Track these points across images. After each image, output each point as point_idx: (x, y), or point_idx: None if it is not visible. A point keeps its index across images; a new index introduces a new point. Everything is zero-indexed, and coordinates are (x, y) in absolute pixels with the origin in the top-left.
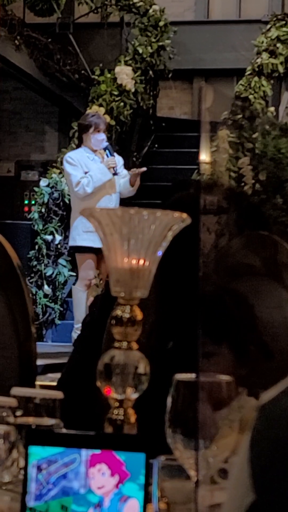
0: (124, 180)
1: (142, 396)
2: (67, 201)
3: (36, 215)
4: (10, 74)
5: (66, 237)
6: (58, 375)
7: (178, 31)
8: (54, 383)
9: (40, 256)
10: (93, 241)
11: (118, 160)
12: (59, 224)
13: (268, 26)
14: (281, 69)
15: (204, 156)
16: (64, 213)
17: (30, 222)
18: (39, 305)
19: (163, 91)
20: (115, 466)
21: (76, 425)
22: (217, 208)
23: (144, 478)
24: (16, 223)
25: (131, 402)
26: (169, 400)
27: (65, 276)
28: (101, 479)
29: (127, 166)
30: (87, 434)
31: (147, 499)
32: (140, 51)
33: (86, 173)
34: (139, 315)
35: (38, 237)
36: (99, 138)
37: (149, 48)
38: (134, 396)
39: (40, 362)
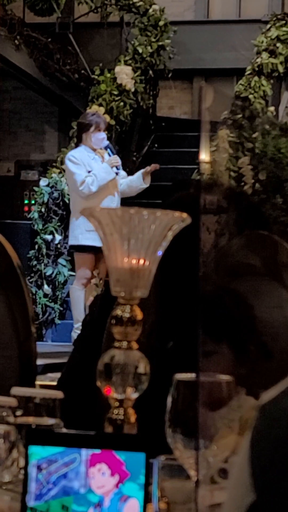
0: (126, 180)
1: (142, 396)
2: (67, 201)
3: (36, 215)
4: (10, 73)
5: (66, 237)
6: (58, 375)
7: (178, 31)
8: (54, 383)
9: (40, 255)
10: (96, 240)
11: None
12: (59, 223)
13: (268, 25)
14: (281, 68)
15: (204, 156)
16: (64, 213)
17: (30, 222)
18: (39, 304)
19: (163, 90)
20: (115, 466)
21: (76, 425)
22: (217, 208)
23: (144, 477)
24: (16, 222)
25: (131, 401)
26: (169, 400)
27: (65, 276)
28: (101, 478)
29: (127, 166)
30: (87, 434)
31: (147, 499)
32: (140, 50)
33: (89, 172)
34: (139, 314)
35: (38, 237)
36: (100, 137)
37: (149, 47)
38: (134, 395)
39: (40, 361)
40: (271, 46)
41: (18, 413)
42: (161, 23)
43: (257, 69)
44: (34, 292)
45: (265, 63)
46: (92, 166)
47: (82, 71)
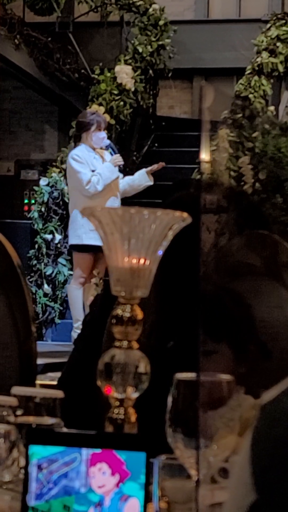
0: (127, 179)
1: (142, 396)
2: (67, 200)
3: (36, 214)
4: (10, 73)
5: (66, 236)
6: (58, 374)
7: (178, 30)
8: (54, 382)
9: (40, 255)
10: (98, 240)
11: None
12: (59, 223)
13: (268, 25)
14: (281, 68)
15: (205, 155)
16: (64, 212)
17: (30, 221)
18: (39, 304)
19: (163, 90)
20: (116, 465)
21: (76, 424)
22: (217, 208)
23: (145, 477)
24: (15, 222)
25: (132, 401)
26: (169, 400)
27: (65, 275)
28: (101, 478)
29: (127, 166)
30: (88, 433)
31: (147, 499)
32: (140, 50)
33: (92, 171)
34: (139, 314)
35: (38, 236)
36: (100, 136)
37: (149, 47)
38: (135, 395)
39: (40, 361)
40: (271, 46)
41: (19, 412)
42: (161, 22)
43: (257, 68)
44: (34, 291)
45: (265, 62)
46: (95, 165)
47: (82, 71)
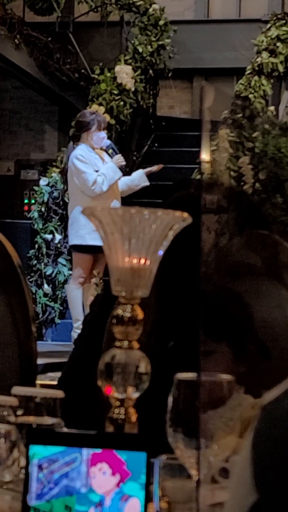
0: (125, 179)
1: (143, 395)
2: (67, 200)
3: (36, 214)
4: (10, 73)
5: (66, 236)
6: (58, 374)
7: (178, 30)
8: (54, 382)
9: (40, 255)
10: (100, 240)
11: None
12: (59, 223)
13: (268, 25)
14: (281, 68)
15: (205, 155)
16: (64, 212)
17: (30, 221)
18: (39, 304)
19: (163, 90)
20: (116, 465)
21: (77, 424)
22: (217, 208)
23: (145, 477)
24: (15, 222)
25: (132, 401)
26: (170, 399)
27: (65, 275)
28: (102, 478)
29: (128, 165)
30: (88, 433)
31: (148, 498)
32: (140, 50)
33: (96, 171)
34: (140, 314)
35: (38, 236)
36: (101, 136)
37: (149, 47)
38: (135, 395)
39: (40, 361)
40: (271, 46)
41: (19, 412)
42: (161, 22)
43: (257, 68)
44: (34, 291)
45: (265, 62)
46: (98, 166)
47: (82, 71)
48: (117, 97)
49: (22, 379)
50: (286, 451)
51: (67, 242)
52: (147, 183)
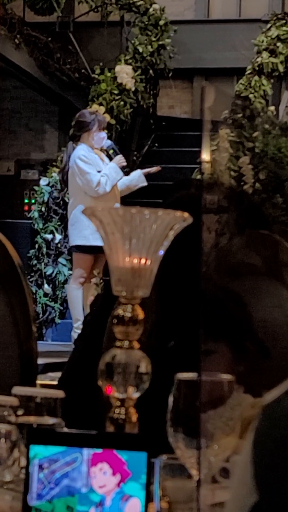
0: (124, 180)
1: (143, 395)
2: (67, 200)
3: (36, 214)
4: (10, 73)
5: (66, 236)
6: (58, 374)
7: (178, 30)
8: (55, 382)
9: (40, 255)
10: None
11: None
12: (59, 223)
13: (268, 25)
14: (281, 68)
15: (206, 155)
16: (64, 212)
17: (30, 221)
18: (39, 304)
19: (163, 90)
20: (117, 465)
21: (77, 424)
22: (217, 207)
23: (146, 477)
24: (16, 222)
25: (133, 401)
26: (170, 399)
27: (65, 275)
28: (102, 478)
29: (128, 165)
30: (89, 433)
31: (148, 498)
32: (140, 50)
33: (98, 172)
34: (140, 314)
35: (38, 236)
36: (101, 136)
37: (149, 47)
38: (136, 395)
39: (40, 361)
40: (271, 46)
41: (19, 412)
42: (161, 22)
43: (257, 68)
44: (34, 291)
45: (265, 62)
46: (99, 166)
47: (82, 70)
48: (117, 97)
49: (23, 379)
50: (287, 451)
51: (67, 242)
52: (145, 184)
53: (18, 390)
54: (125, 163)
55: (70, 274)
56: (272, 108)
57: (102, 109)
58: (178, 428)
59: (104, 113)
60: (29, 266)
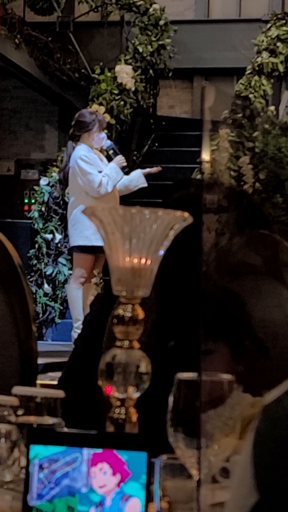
0: (123, 180)
1: (143, 395)
2: (67, 200)
3: (36, 214)
4: (10, 72)
5: (66, 236)
6: (58, 374)
7: (178, 30)
8: (55, 382)
9: (40, 255)
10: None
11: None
12: (59, 223)
13: (268, 25)
14: (281, 68)
15: (206, 155)
16: (64, 212)
17: (30, 221)
18: (39, 304)
19: (163, 90)
20: (117, 465)
21: (77, 424)
22: (217, 207)
23: (146, 477)
24: (16, 222)
25: (133, 401)
26: (170, 399)
27: (65, 275)
28: (102, 478)
29: (128, 165)
30: (89, 433)
31: (148, 498)
32: (140, 50)
33: (99, 172)
34: (140, 314)
35: (38, 236)
36: (101, 137)
37: (149, 47)
38: (136, 395)
39: (40, 361)
40: (271, 46)
41: (20, 412)
42: (161, 22)
43: (257, 68)
44: (34, 291)
45: (265, 62)
46: (100, 166)
47: (83, 70)
48: (117, 97)
49: (23, 378)
50: (287, 451)
51: (67, 242)
52: (145, 184)
53: (18, 390)
54: (125, 164)
55: (70, 274)
56: (272, 108)
57: (102, 109)
58: (178, 428)
59: (104, 113)
60: (29, 266)
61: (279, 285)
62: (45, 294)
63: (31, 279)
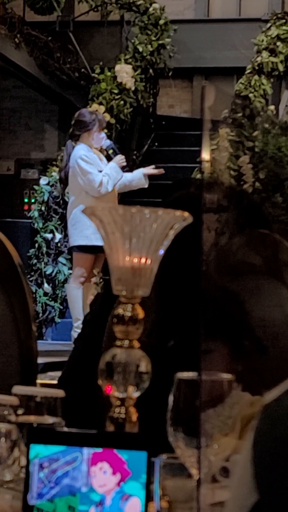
0: (123, 179)
1: (143, 395)
2: (67, 200)
3: (36, 214)
4: (10, 72)
5: (66, 236)
6: (58, 374)
7: (178, 30)
8: (55, 382)
9: (40, 254)
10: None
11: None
12: (59, 222)
13: (268, 24)
14: (281, 67)
15: (206, 154)
16: (64, 211)
17: (30, 221)
18: (38, 303)
19: (163, 89)
20: (117, 465)
21: (77, 424)
22: (217, 207)
23: (146, 476)
24: (16, 221)
25: (133, 400)
26: (170, 399)
27: (65, 275)
28: (102, 477)
29: (128, 165)
30: (89, 433)
31: (148, 498)
32: (140, 49)
33: (100, 171)
34: (140, 313)
35: (38, 236)
36: (101, 137)
37: (149, 46)
38: (136, 394)
39: (40, 360)
40: (271, 45)
41: (20, 411)
42: (161, 21)
43: (257, 68)
44: (34, 290)
45: (265, 62)
46: (100, 166)
47: (82, 70)
48: (117, 96)
49: (23, 378)
50: (287, 451)
51: (67, 241)
52: (145, 185)
53: (18, 389)
54: (125, 163)
55: (70, 274)
56: (272, 107)
57: (102, 108)
58: (178, 427)
59: (104, 113)
60: (29, 265)
61: (279, 284)
62: (45, 294)
63: (31, 279)
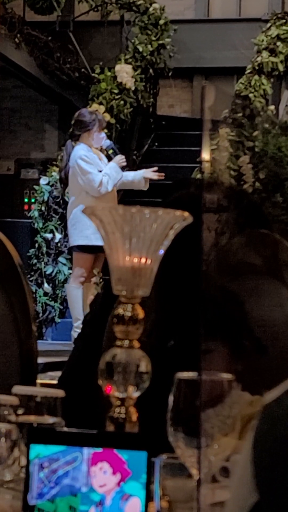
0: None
1: (143, 395)
2: (67, 199)
3: (36, 213)
4: (10, 72)
5: (66, 236)
6: (58, 373)
7: (178, 30)
8: (55, 382)
9: (40, 254)
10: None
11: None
12: (59, 222)
13: (268, 24)
14: (281, 67)
15: (206, 154)
16: (64, 211)
17: (30, 221)
18: (39, 303)
19: (163, 89)
20: (117, 465)
21: (77, 424)
22: (217, 207)
23: (146, 476)
24: (16, 221)
25: (133, 400)
26: (170, 399)
27: (65, 274)
28: (102, 477)
29: (128, 165)
30: (89, 433)
31: (148, 498)
32: (140, 49)
33: (99, 171)
34: (140, 313)
35: (38, 236)
36: (101, 137)
37: (149, 46)
38: (136, 394)
39: (40, 360)
40: (271, 45)
41: (20, 411)
42: (161, 21)
43: (257, 68)
44: (34, 290)
45: (265, 62)
46: (100, 165)
47: (82, 70)
48: (117, 96)
49: (23, 378)
50: (287, 451)
51: (67, 241)
52: (145, 189)
53: (18, 389)
54: (125, 163)
55: (70, 273)
56: (272, 107)
57: (102, 108)
58: (178, 427)
59: (104, 112)
60: (29, 265)
61: (279, 284)
62: (45, 294)
63: (31, 279)
